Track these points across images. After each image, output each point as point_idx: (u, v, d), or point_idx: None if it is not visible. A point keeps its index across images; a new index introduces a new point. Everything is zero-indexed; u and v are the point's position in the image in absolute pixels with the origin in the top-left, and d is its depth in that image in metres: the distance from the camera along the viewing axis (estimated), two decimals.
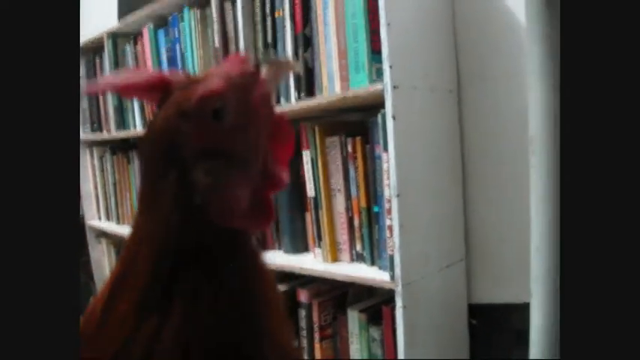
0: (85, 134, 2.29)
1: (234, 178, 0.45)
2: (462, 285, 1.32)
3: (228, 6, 1.48)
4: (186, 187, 0.44)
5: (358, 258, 1.27)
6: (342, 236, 1.29)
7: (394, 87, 1.07)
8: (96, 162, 2.24)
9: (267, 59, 0.48)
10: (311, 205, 1.33)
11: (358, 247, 1.26)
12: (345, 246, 1.29)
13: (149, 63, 1.82)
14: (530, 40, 0.80)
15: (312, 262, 1.32)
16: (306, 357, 1.35)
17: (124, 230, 2.06)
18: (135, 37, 1.92)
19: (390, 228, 1.11)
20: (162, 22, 1.76)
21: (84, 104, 2.28)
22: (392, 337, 1.18)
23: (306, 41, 1.28)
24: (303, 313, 1.36)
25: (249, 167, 0.46)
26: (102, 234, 2.30)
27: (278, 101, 1.35)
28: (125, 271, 0.46)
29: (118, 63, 2.00)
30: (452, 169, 1.29)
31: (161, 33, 1.75)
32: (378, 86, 1.09)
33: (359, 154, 1.23)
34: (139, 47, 1.89)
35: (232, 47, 1.48)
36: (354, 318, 1.29)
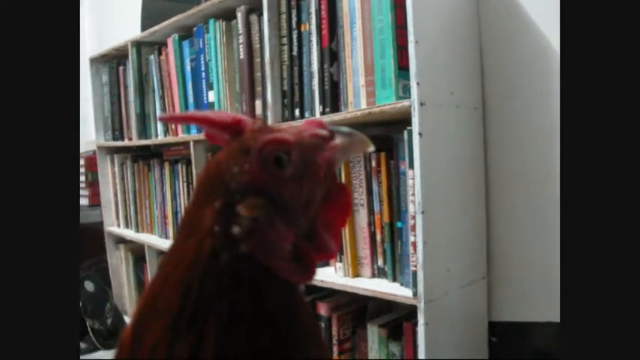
0: (106, 141, 2.31)
1: (276, 224, 0.45)
2: (483, 302, 1.32)
3: (254, 18, 1.49)
4: (228, 217, 0.44)
5: (380, 273, 1.27)
6: (364, 251, 1.29)
7: (421, 104, 1.07)
8: (117, 169, 2.26)
9: (344, 132, 0.50)
10: None
11: (380, 263, 1.26)
12: (366, 260, 1.29)
13: (173, 73, 1.83)
14: None
15: (333, 276, 1.32)
16: None
17: (143, 237, 2.08)
18: (159, 46, 1.94)
19: (414, 244, 1.10)
20: (187, 33, 1.77)
21: (105, 112, 2.31)
22: (413, 353, 1.18)
23: (332, 55, 1.29)
24: (322, 326, 1.36)
25: (294, 219, 0.46)
26: (121, 240, 2.32)
27: (302, 115, 1.36)
28: (154, 294, 0.46)
29: (141, 72, 2.02)
30: (475, 186, 1.29)
31: (186, 44, 1.76)
32: (405, 103, 1.09)
33: (383, 169, 1.23)
34: (162, 57, 1.91)
35: (257, 60, 1.49)
36: (373, 333, 1.29)
